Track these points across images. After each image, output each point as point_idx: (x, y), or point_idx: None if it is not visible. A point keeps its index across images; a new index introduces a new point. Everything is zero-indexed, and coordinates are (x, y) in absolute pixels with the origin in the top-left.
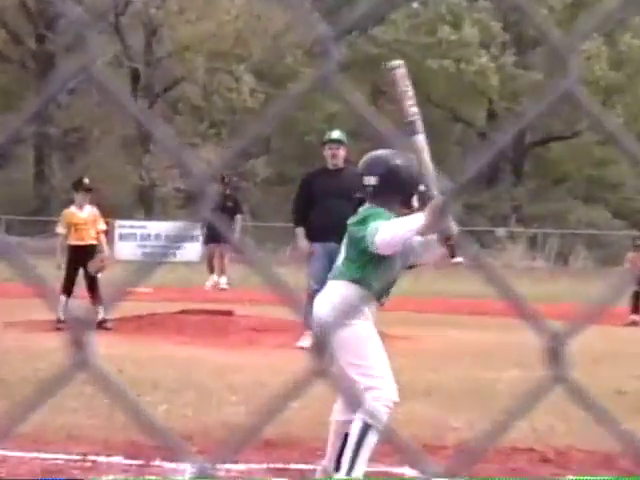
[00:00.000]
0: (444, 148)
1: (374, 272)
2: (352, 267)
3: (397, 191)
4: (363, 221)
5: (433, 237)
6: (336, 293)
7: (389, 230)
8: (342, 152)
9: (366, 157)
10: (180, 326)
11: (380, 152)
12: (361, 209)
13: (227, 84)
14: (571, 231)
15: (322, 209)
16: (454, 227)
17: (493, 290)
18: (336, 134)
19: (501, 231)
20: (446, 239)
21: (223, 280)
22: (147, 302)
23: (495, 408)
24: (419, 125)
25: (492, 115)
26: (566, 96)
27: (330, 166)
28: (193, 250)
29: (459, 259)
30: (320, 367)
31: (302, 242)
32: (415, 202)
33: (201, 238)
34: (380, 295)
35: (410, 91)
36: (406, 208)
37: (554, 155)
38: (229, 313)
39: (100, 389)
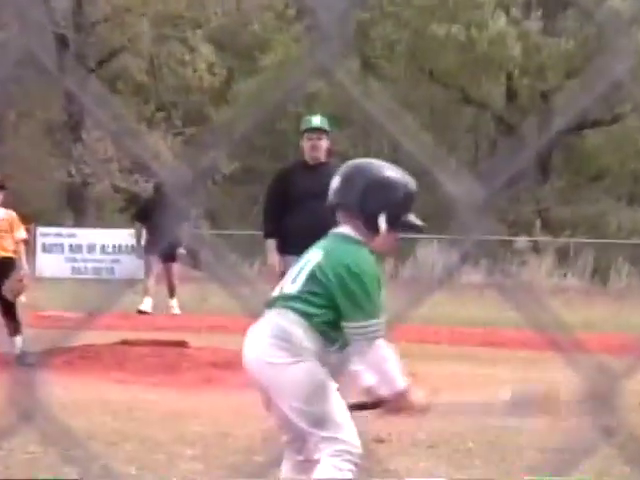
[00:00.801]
0: (452, 137)
1: (331, 321)
2: (308, 301)
3: (379, 211)
4: (354, 273)
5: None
6: (277, 326)
7: (376, 354)
8: (324, 143)
9: (349, 165)
10: (120, 360)
11: (368, 161)
12: (338, 234)
13: (179, 56)
14: (611, 241)
15: (299, 214)
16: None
17: (512, 315)
18: (317, 121)
19: (522, 241)
20: (372, 407)
21: (174, 303)
22: (77, 330)
23: (518, 465)
24: None
25: (512, 95)
26: (609, 78)
27: (309, 160)
28: (137, 265)
29: (362, 413)
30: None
31: (273, 256)
32: (382, 223)
33: (137, 248)
34: (333, 342)
35: None
36: (375, 233)
37: (589, 145)
38: (182, 344)
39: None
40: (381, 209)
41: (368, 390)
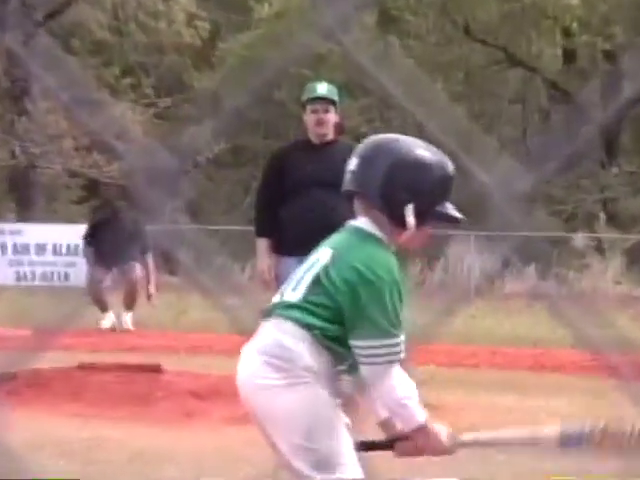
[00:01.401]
0: (493, 109)
1: (340, 333)
2: (312, 311)
3: (407, 199)
4: (368, 281)
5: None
6: (274, 341)
7: (394, 385)
8: (332, 117)
9: (369, 142)
10: (77, 389)
11: (394, 137)
12: (353, 228)
13: (150, 5)
14: None
15: (300, 205)
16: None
17: (569, 333)
18: (323, 89)
19: (582, 239)
20: (383, 448)
21: (128, 318)
22: (25, 351)
23: None
24: None
25: (569, 55)
26: None
27: (314, 138)
28: None
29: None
30: None
31: (263, 259)
32: (410, 216)
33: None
34: (344, 357)
35: None
36: (401, 227)
37: None
38: (155, 369)
39: None
40: (409, 197)
41: (384, 424)
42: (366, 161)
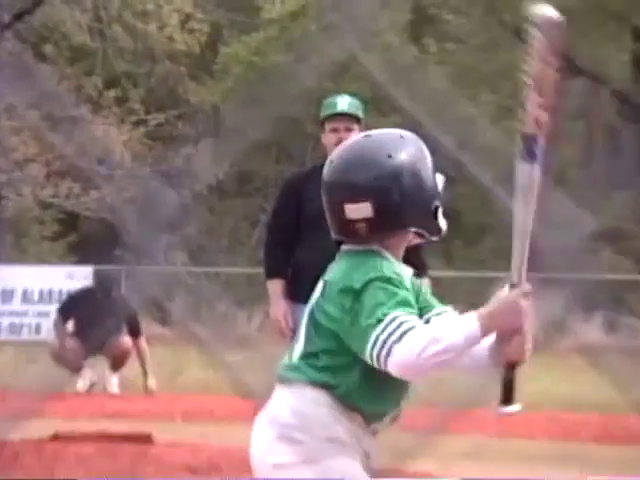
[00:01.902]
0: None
1: (364, 379)
2: (322, 365)
3: (409, 212)
4: (356, 292)
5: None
6: (288, 409)
7: (420, 343)
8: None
9: (342, 152)
10: (52, 464)
11: (364, 140)
12: (343, 253)
13: (138, 5)
14: None
15: (317, 244)
16: (529, 347)
17: None
18: (345, 103)
19: None
20: (509, 366)
21: (114, 380)
22: None
23: None
24: (540, 147)
25: None
26: None
27: None
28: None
29: (514, 407)
30: None
31: (277, 304)
32: (442, 223)
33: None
34: (376, 413)
35: (554, 74)
36: (421, 237)
37: None
38: (144, 439)
39: None
40: (356, 194)
41: (483, 358)
42: (332, 164)
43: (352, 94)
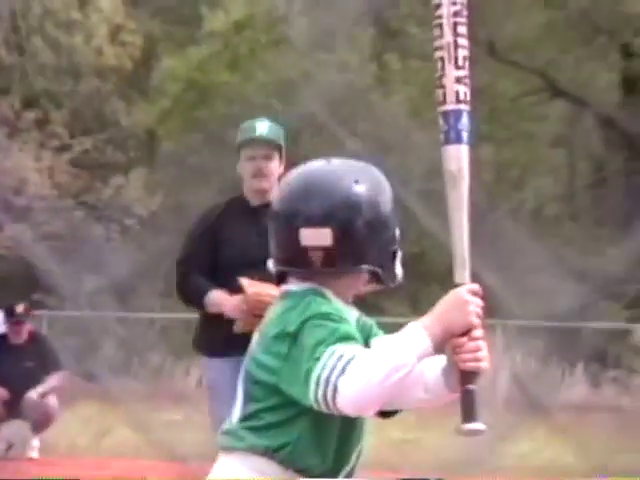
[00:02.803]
0: (530, 153)
1: (310, 434)
2: (263, 424)
3: (370, 247)
4: (292, 335)
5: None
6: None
7: (366, 368)
8: (275, 166)
9: (300, 176)
10: None
11: (325, 164)
12: (280, 296)
13: (61, 14)
14: None
15: (234, 292)
16: (484, 353)
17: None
18: (264, 127)
19: None
20: (466, 378)
21: (35, 443)
22: None
23: None
24: (465, 125)
25: (631, 82)
26: None
27: (251, 197)
28: None
29: (478, 425)
30: None
31: (229, 300)
32: (399, 270)
33: None
34: (328, 473)
35: (462, 38)
36: (374, 281)
37: None
38: None
39: None
40: (311, 222)
41: (438, 383)
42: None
43: (271, 119)
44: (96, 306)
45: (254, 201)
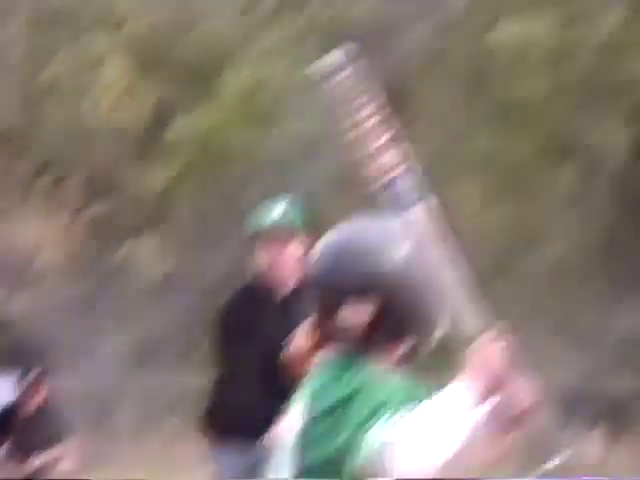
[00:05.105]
0: (539, 218)
1: None
2: None
3: (414, 317)
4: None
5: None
6: None
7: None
8: (295, 251)
9: (329, 246)
10: None
11: (357, 231)
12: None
13: (72, 76)
14: None
15: (253, 386)
16: (529, 387)
17: None
18: (279, 213)
19: None
20: (520, 421)
21: None
22: None
23: None
24: (408, 184)
25: None
26: None
27: (267, 286)
28: None
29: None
30: None
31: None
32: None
33: None
34: None
35: (376, 114)
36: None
37: None
38: None
39: None
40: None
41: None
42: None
43: (289, 197)
44: (112, 369)
45: (269, 290)
